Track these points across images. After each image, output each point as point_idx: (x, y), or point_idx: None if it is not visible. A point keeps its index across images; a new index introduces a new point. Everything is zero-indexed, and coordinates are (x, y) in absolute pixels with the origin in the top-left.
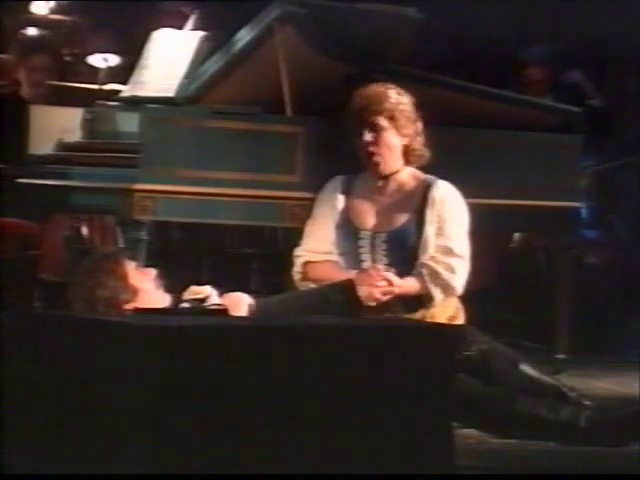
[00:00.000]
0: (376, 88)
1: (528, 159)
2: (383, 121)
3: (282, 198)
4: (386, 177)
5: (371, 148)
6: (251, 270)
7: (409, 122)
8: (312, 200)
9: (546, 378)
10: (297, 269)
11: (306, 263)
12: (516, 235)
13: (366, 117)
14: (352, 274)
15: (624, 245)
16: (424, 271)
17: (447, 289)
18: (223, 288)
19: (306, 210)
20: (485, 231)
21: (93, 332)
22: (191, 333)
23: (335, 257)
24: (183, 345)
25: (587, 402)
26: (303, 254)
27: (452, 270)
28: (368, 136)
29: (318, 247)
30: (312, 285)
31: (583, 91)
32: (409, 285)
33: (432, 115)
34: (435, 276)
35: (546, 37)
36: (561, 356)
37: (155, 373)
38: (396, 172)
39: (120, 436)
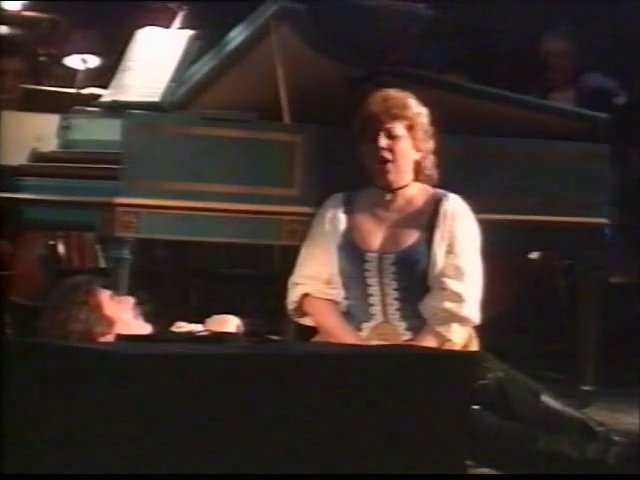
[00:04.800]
0: (395, 93)
1: (549, 170)
2: (401, 129)
3: (279, 213)
4: (394, 191)
5: (385, 154)
6: (245, 292)
7: (426, 137)
8: (312, 215)
9: (571, 411)
10: (293, 299)
11: (305, 295)
12: (534, 255)
13: (383, 121)
14: (351, 333)
15: None
16: (433, 324)
17: (460, 321)
18: (213, 312)
19: (305, 226)
20: (500, 251)
21: (74, 360)
22: (179, 360)
23: (338, 290)
24: (169, 373)
25: (616, 438)
26: (302, 282)
27: (460, 298)
28: (383, 141)
29: (319, 274)
30: (307, 321)
31: (606, 92)
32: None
33: (442, 122)
34: (445, 320)
35: (568, 32)
36: (587, 387)
37: (140, 402)
38: (405, 186)
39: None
